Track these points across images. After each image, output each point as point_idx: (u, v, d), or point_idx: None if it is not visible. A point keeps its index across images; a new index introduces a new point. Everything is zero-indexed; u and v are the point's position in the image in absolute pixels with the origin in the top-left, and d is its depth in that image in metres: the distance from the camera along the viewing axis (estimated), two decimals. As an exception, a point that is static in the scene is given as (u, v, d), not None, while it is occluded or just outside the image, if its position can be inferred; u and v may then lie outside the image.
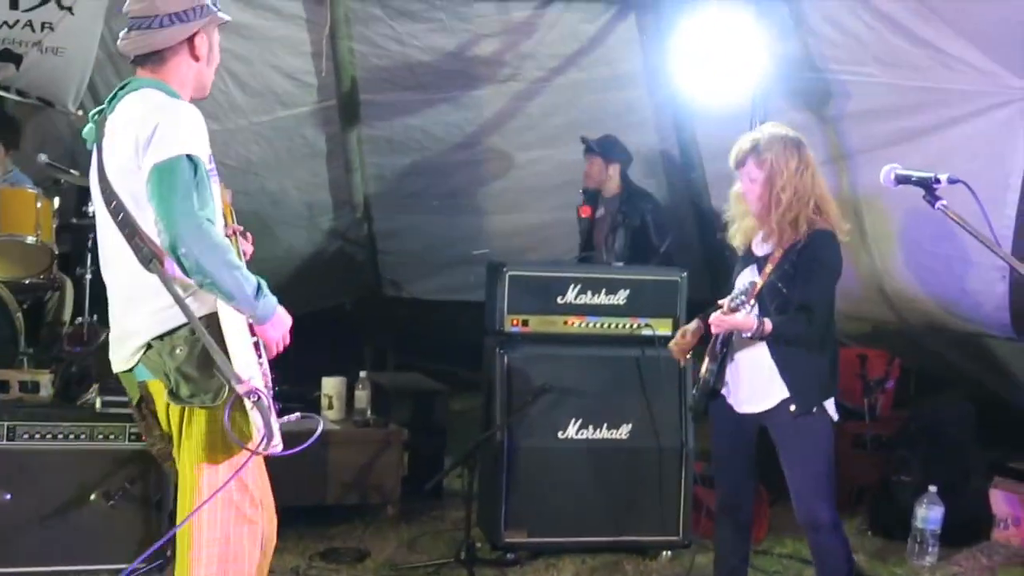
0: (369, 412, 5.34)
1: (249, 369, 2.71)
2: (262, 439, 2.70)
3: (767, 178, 3.66)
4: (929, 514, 4.98)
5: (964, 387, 6.46)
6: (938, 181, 2.75)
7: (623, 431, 4.86)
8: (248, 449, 2.72)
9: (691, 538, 4.90)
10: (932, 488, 4.99)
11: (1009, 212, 4.97)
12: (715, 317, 3.67)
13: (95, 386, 4.45)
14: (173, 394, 2.78)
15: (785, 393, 3.65)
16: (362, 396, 5.35)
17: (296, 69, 6.32)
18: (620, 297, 4.90)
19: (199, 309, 2.75)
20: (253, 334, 2.82)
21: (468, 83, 6.48)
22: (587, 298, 4.87)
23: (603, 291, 4.89)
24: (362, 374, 5.42)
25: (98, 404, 4.33)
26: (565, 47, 6.20)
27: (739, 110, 5.58)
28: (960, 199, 2.88)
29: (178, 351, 2.76)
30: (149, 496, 4.34)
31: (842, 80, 5.57)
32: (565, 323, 4.86)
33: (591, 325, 4.88)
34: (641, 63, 6.25)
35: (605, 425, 4.85)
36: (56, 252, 5.32)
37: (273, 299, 2.83)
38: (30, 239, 5.06)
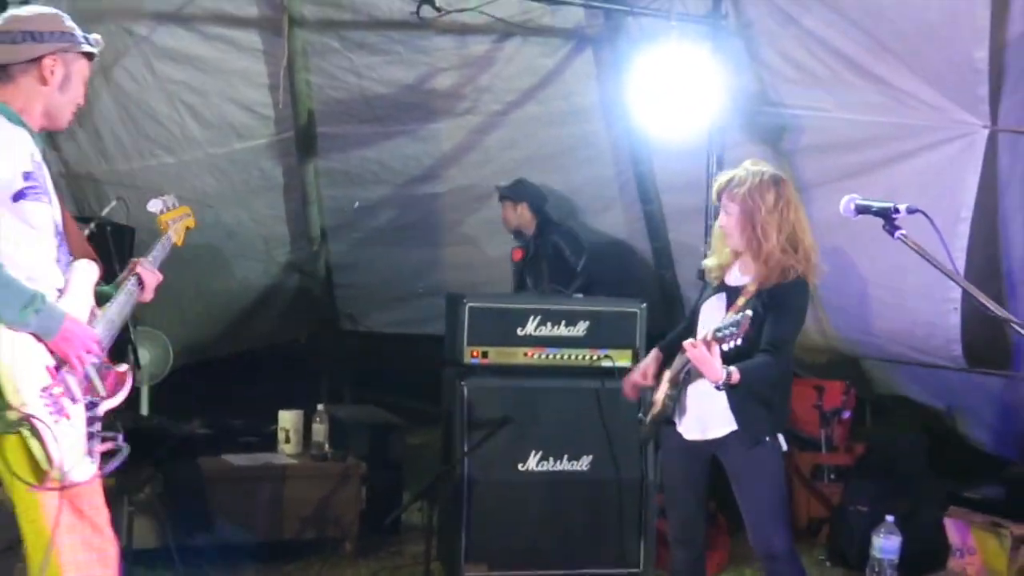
0: (327, 446, 5.28)
1: (23, 395, 2.65)
2: (54, 468, 2.67)
3: (743, 212, 3.67)
4: (886, 543, 4.97)
5: (918, 418, 6.53)
6: (897, 211, 2.79)
7: (583, 463, 4.85)
8: (27, 482, 2.70)
9: (652, 570, 4.88)
10: (889, 517, 5.02)
11: (960, 244, 5.06)
12: (695, 343, 3.52)
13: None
14: None
15: (733, 425, 3.67)
16: (319, 429, 5.29)
17: (253, 101, 6.28)
18: (580, 329, 4.91)
19: None
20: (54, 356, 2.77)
21: (426, 116, 6.48)
22: (547, 330, 4.88)
23: (563, 323, 4.90)
24: (319, 407, 5.37)
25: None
26: (522, 81, 6.22)
27: (696, 144, 5.65)
28: (916, 230, 2.93)
29: None
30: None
31: (796, 114, 5.65)
32: (525, 355, 4.86)
33: (551, 357, 4.89)
34: (598, 97, 6.29)
35: (565, 457, 4.83)
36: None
37: (59, 311, 2.77)
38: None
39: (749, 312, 3.49)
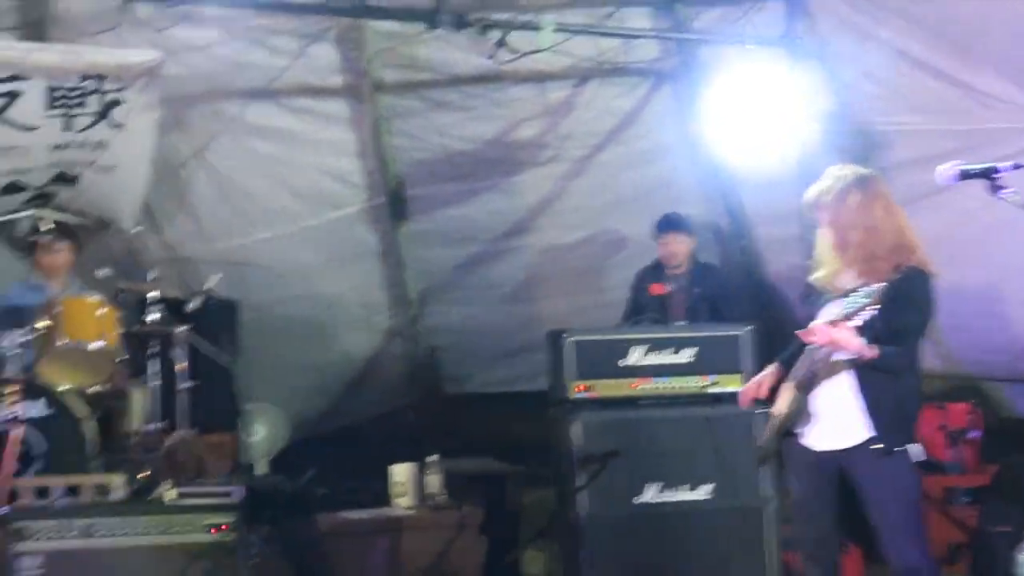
0: (442, 496, 5.25)
1: None
2: None
3: (833, 219, 3.65)
4: (1032, 560, 4.78)
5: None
6: (999, 170, 2.77)
7: (702, 492, 4.76)
8: None
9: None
10: (1032, 532, 4.81)
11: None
12: (820, 326, 3.49)
13: (169, 480, 4.45)
14: None
15: (869, 432, 3.55)
16: (433, 481, 5.26)
17: (344, 170, 6.41)
18: (685, 356, 4.87)
19: None
20: None
21: (510, 169, 6.53)
22: (652, 359, 4.84)
23: (668, 351, 4.86)
24: (433, 458, 5.35)
25: (173, 495, 4.32)
26: (603, 123, 6.26)
27: (783, 171, 5.62)
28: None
29: None
30: (226, 589, 4.28)
31: (882, 131, 5.59)
32: (631, 385, 4.82)
33: (658, 386, 4.84)
34: (680, 133, 6.27)
35: (682, 487, 4.75)
36: (121, 358, 5.34)
37: None
38: (93, 345, 5.10)
39: (883, 283, 3.40)
